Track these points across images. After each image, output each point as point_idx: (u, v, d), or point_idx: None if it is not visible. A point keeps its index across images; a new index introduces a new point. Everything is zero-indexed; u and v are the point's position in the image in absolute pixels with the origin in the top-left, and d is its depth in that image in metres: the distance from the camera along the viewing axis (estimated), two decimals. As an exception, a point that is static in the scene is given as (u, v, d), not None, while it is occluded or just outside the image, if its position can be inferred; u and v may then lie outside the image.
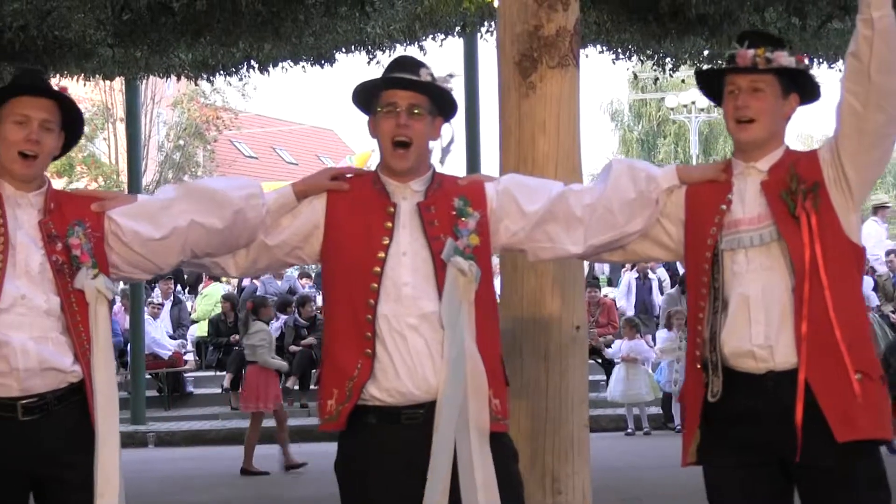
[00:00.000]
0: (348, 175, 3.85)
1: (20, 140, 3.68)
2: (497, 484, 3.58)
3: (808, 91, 3.80)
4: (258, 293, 17.98)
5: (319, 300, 18.46)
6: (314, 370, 16.35)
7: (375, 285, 3.63)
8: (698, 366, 3.69)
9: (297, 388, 16.29)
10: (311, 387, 16.30)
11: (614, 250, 3.92)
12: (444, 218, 3.71)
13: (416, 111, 3.72)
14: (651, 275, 17.56)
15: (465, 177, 3.96)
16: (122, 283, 3.88)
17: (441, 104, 3.80)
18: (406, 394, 3.60)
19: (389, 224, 3.70)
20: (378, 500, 3.63)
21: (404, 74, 3.73)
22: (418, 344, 3.61)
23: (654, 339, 15.33)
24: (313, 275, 20.33)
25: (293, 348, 16.39)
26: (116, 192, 3.57)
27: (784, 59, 3.68)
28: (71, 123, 3.83)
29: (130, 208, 3.81)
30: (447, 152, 3.88)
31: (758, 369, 3.58)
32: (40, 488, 3.70)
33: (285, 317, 16.77)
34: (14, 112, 3.70)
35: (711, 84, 3.87)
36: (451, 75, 3.81)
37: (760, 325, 3.59)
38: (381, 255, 3.66)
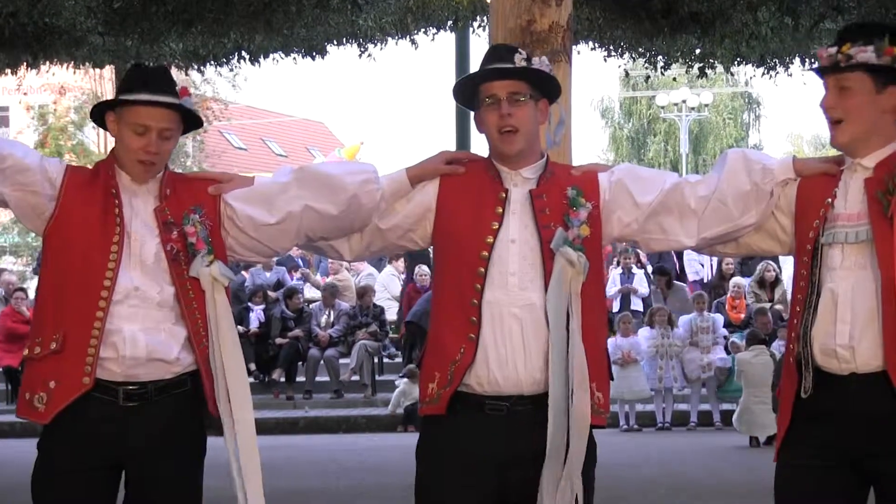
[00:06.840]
0: (463, 160, 3.84)
1: (139, 149, 3.70)
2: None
3: None
4: (246, 284, 17.91)
5: (307, 292, 18.47)
6: (300, 362, 16.32)
7: (483, 270, 3.62)
8: (791, 360, 3.62)
9: (283, 380, 16.22)
10: (298, 379, 16.32)
11: (727, 242, 3.87)
12: (556, 207, 3.68)
13: (518, 98, 3.70)
14: (635, 270, 17.53)
15: (579, 166, 3.93)
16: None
17: (543, 86, 3.78)
18: (493, 383, 3.60)
19: (500, 210, 3.69)
20: (453, 488, 3.62)
21: (498, 64, 3.71)
22: (515, 335, 3.59)
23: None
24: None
25: (280, 340, 16.29)
26: (233, 173, 3.66)
27: (865, 54, 3.53)
28: (189, 118, 3.84)
29: (246, 192, 3.84)
30: (559, 132, 3.85)
31: (840, 370, 3.51)
32: (131, 476, 3.73)
33: (259, 308, 16.62)
34: (134, 120, 3.70)
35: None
36: (545, 54, 3.76)
37: (846, 324, 3.51)
38: (490, 239, 3.65)
